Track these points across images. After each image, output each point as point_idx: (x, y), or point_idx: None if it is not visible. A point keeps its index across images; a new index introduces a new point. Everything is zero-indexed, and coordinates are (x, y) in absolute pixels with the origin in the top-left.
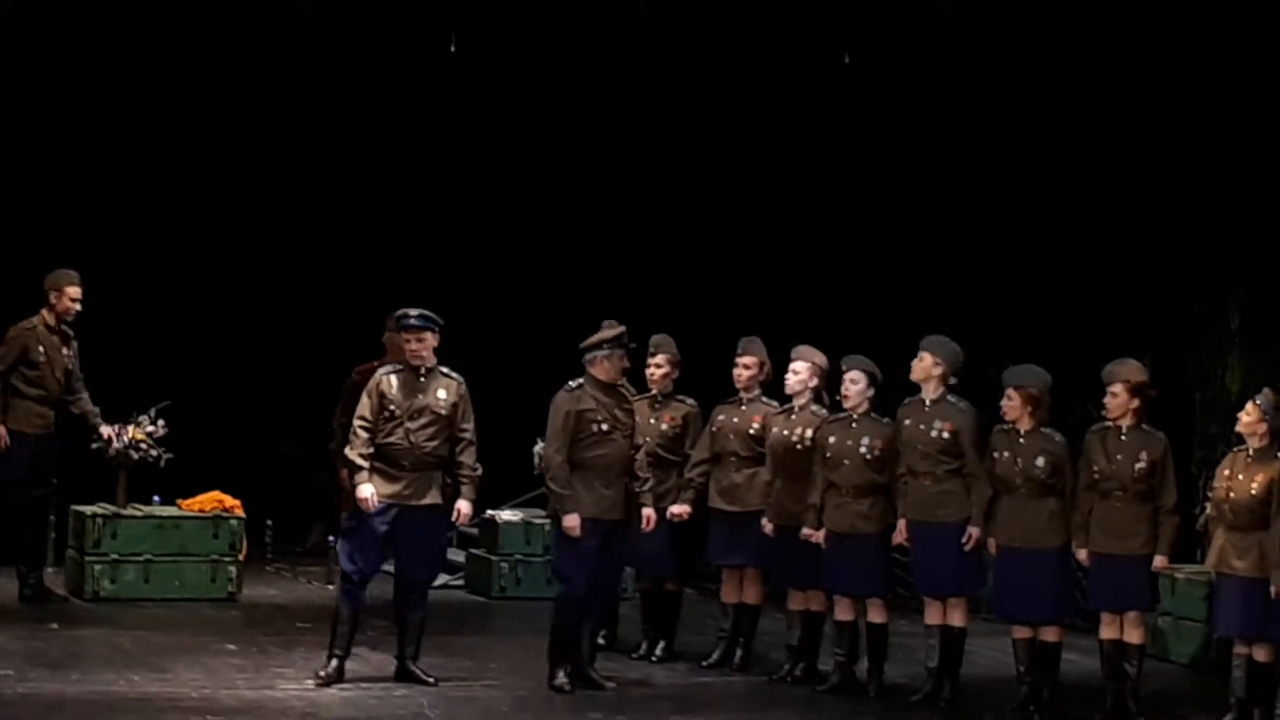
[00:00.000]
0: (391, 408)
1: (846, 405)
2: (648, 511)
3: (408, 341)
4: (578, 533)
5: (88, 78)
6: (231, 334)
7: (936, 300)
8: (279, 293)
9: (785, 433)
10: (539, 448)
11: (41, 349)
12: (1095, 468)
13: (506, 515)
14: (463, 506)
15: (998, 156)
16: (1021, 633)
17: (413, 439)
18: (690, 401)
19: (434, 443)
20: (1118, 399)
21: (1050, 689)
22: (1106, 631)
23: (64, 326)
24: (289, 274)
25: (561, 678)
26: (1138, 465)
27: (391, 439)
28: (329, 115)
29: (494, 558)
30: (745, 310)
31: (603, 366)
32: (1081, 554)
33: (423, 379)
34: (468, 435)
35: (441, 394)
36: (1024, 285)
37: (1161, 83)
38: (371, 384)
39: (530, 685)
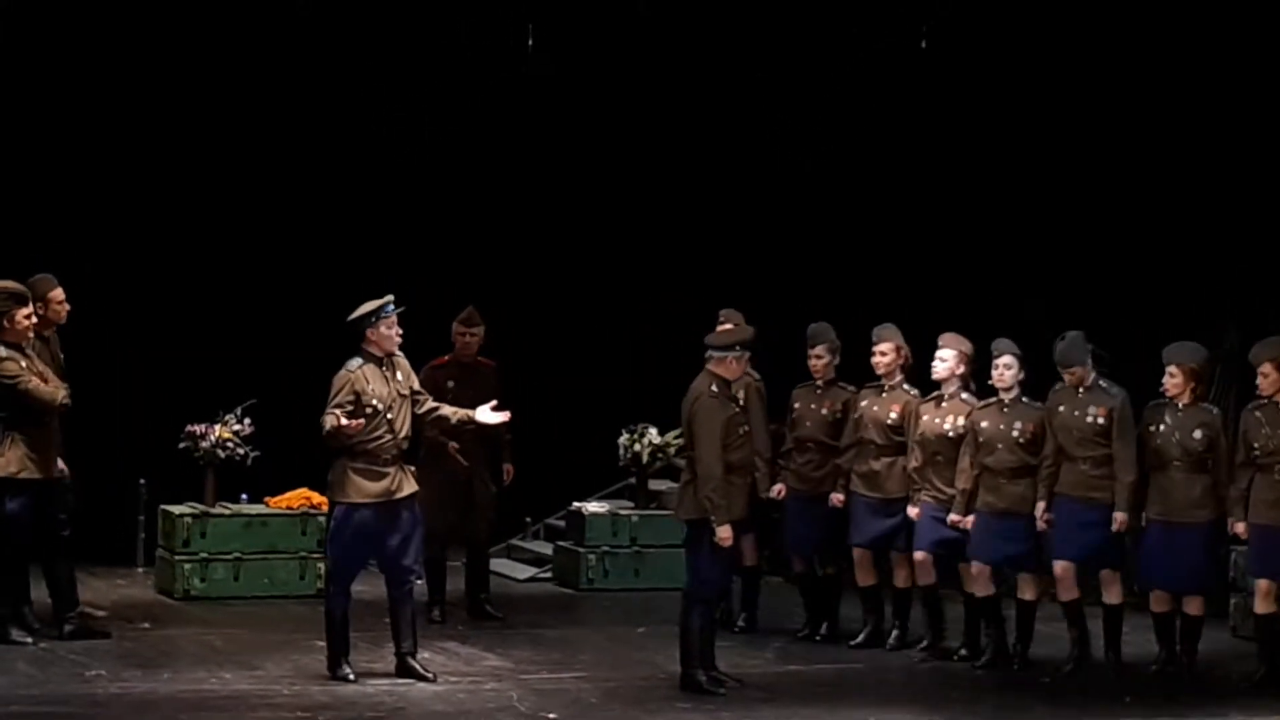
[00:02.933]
0: (375, 403)
1: (1000, 388)
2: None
3: (391, 327)
4: (730, 543)
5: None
6: (314, 333)
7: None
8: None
9: (937, 421)
10: (624, 439)
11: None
12: (1255, 444)
13: (593, 507)
14: (486, 412)
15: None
16: (1162, 605)
17: (395, 429)
18: (850, 388)
19: (407, 426)
20: (1269, 378)
21: (1190, 662)
22: (1262, 605)
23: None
24: (367, 274)
25: (701, 675)
26: None
27: (377, 433)
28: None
29: (581, 549)
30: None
31: (731, 365)
32: (1239, 527)
33: (386, 369)
34: (427, 396)
35: (400, 376)
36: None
37: (1257, 37)
38: (345, 379)
39: (619, 676)
